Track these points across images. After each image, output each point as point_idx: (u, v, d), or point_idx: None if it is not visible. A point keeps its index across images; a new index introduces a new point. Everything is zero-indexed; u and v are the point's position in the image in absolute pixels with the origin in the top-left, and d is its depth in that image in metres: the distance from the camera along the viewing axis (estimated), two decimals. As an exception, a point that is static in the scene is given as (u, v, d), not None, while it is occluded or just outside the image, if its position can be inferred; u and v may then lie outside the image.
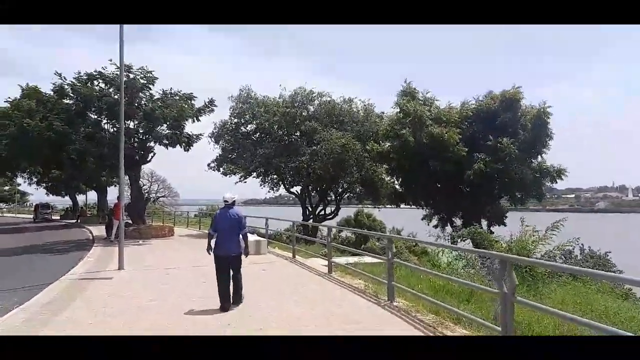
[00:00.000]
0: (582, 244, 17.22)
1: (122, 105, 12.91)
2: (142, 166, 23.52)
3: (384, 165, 23.95)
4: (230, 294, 7.58)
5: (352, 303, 8.09)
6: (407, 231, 33.24)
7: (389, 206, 28.35)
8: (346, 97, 28.61)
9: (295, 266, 12.59)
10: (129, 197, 23.27)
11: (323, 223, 26.62)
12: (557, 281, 12.05)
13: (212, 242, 7.73)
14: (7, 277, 11.41)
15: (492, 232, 19.77)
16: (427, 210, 23.47)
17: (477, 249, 12.57)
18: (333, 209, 30.00)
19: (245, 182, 27.39)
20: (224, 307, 7.41)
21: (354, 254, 14.50)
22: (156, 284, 9.78)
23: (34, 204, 52.09)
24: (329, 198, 29.69)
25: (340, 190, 28.77)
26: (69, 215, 42.52)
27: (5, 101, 23.69)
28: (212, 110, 22.03)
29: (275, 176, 28.37)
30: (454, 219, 22.56)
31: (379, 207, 29.63)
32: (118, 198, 20.50)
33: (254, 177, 27.43)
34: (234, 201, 7.93)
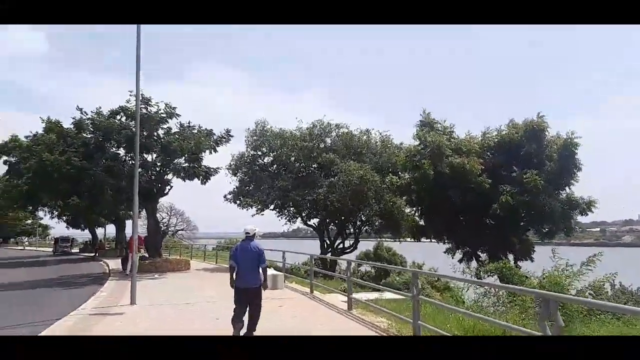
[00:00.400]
0: (613, 280, 16.26)
1: (138, 130, 12.75)
2: (160, 199, 23.44)
3: (403, 198, 23.36)
4: (241, 327, 7.45)
5: (376, 344, 7.49)
6: (428, 265, 32.20)
7: (409, 240, 27.53)
8: (363, 128, 28.46)
9: (314, 302, 12.01)
10: (146, 230, 23.08)
11: (342, 257, 25.94)
12: (597, 320, 11.18)
13: (234, 274, 7.65)
14: (18, 312, 11.16)
15: (519, 267, 18.85)
16: (449, 243, 22.64)
17: (512, 286, 11.79)
18: (352, 242, 29.29)
19: (262, 214, 27.03)
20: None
21: (374, 289, 13.86)
22: (168, 321, 9.34)
23: (54, 237, 52.58)
24: (347, 231, 29.05)
25: (358, 223, 28.14)
26: (88, 249, 42.64)
27: (26, 137, 23.95)
28: (229, 141, 22.00)
29: (292, 209, 27.98)
30: (479, 253, 21.69)
31: (399, 241, 28.81)
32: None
33: (271, 209, 27.07)
34: (255, 234, 7.86)
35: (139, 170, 20.58)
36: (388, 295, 12.89)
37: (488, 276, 16.39)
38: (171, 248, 34.29)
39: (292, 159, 26.37)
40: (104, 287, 15.37)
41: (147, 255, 22.05)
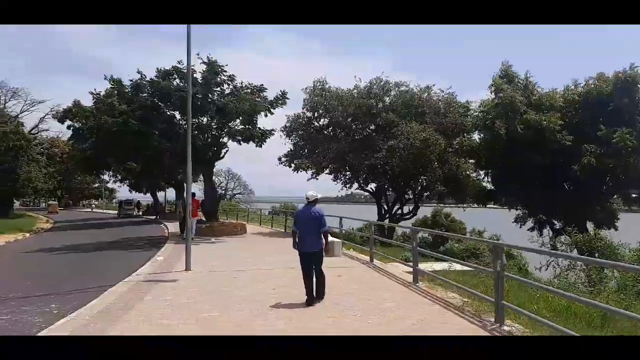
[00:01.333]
0: None
1: (190, 97, 12.16)
2: (217, 163, 23.27)
3: (471, 161, 21.63)
4: (313, 288, 7.73)
5: (452, 325, 6.49)
6: (490, 233, 30.91)
7: (474, 205, 25.86)
8: (422, 85, 26.40)
9: (374, 272, 11.14)
10: (203, 194, 23.05)
11: (400, 223, 24.85)
12: None
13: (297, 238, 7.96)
14: (76, 277, 11.18)
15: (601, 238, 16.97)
16: (520, 210, 20.83)
17: (617, 262, 10.28)
18: (411, 208, 27.99)
19: (317, 178, 26.27)
20: (309, 301, 7.57)
21: (438, 259, 12.79)
22: (221, 290, 8.81)
23: (119, 200, 54.97)
24: (406, 196, 27.70)
25: (419, 188, 26.59)
26: (150, 212, 44.07)
27: (90, 92, 23.88)
28: (285, 103, 21.18)
29: (349, 173, 27.01)
30: (553, 221, 19.83)
31: (463, 207, 27.07)
32: (193, 195, 20.40)
33: (326, 173, 26.22)
34: (316, 199, 8.03)
35: (195, 132, 20.52)
36: (457, 267, 11.84)
37: (568, 248, 14.73)
38: (228, 212, 34.70)
39: (349, 119, 25.08)
40: (160, 251, 15.32)
41: (204, 219, 22.05)
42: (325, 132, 26.40)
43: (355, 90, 25.84)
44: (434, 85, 26.48)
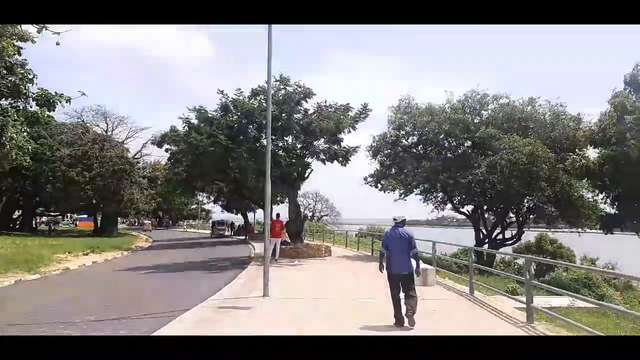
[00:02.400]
0: None
1: (269, 107, 11.57)
2: (303, 184, 22.87)
3: (585, 180, 18.85)
4: (402, 317, 7.44)
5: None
6: (604, 261, 27.81)
7: (589, 231, 22.68)
8: (526, 97, 23.87)
9: (476, 307, 9.49)
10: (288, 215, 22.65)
11: (500, 250, 22.38)
12: None
13: (384, 261, 7.84)
14: (153, 299, 11.01)
15: None
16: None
17: None
18: (513, 232, 25.26)
19: (405, 199, 24.66)
20: (399, 322, 7.45)
21: (551, 293, 10.76)
22: (297, 321, 7.83)
23: (212, 220, 57.23)
24: (507, 220, 25.02)
25: (524, 210, 23.80)
26: (240, 232, 45.02)
27: (179, 117, 24.87)
28: (367, 116, 20.20)
29: (441, 194, 25.11)
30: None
31: (578, 232, 23.74)
32: (277, 216, 20.07)
33: (416, 194, 24.55)
34: (404, 220, 7.91)
35: (280, 153, 20.24)
36: (580, 303, 9.84)
37: None
38: (315, 232, 34.35)
39: (442, 136, 23.31)
40: (242, 273, 14.86)
41: (288, 240, 21.53)
42: (415, 150, 24.86)
43: (448, 105, 24.11)
44: (538, 97, 23.76)
